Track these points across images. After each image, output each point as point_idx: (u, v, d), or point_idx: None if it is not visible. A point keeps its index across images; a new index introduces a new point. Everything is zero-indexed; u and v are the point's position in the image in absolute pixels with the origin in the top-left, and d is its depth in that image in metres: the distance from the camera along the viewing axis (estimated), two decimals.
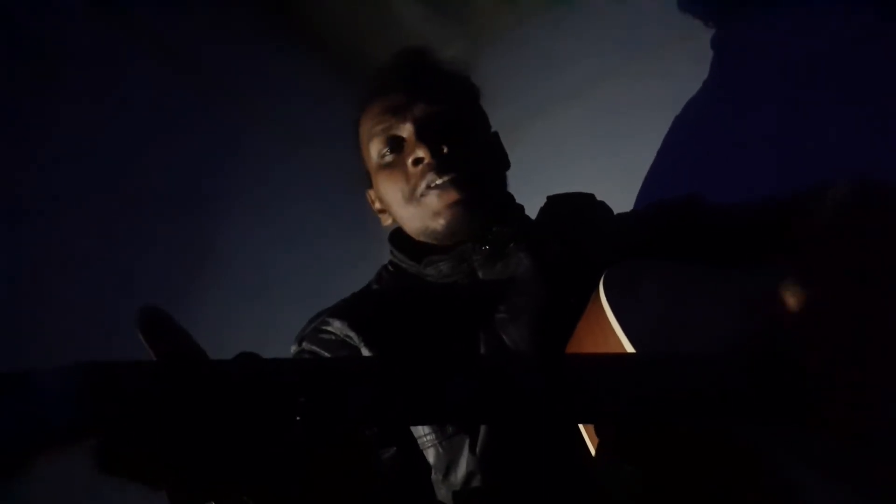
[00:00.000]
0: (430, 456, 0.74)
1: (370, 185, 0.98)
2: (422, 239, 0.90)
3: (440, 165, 0.84)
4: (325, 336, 0.83)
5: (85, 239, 1.15)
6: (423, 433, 0.75)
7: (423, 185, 0.84)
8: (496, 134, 0.99)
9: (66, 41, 1.24)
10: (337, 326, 0.83)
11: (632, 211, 1.04)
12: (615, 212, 1.00)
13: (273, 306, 1.31)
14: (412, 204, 0.86)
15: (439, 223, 0.85)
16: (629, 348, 0.53)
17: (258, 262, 1.43)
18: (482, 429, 0.71)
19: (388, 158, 0.89)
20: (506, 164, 0.97)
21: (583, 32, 1.59)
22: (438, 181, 0.84)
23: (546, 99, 1.62)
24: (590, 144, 1.50)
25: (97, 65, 1.27)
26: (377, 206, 0.98)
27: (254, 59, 1.61)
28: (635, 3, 1.49)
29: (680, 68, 1.38)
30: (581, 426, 0.59)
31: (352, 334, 0.81)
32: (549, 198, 0.97)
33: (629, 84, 1.47)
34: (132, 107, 1.31)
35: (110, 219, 1.21)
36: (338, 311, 0.85)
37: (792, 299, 0.51)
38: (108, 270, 1.17)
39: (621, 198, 1.29)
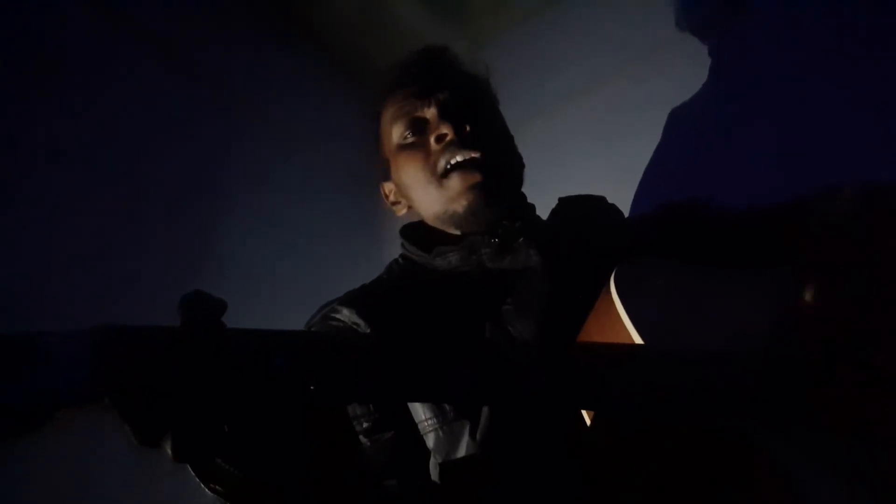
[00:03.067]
0: (431, 441, 0.75)
1: (385, 178, 0.98)
2: (438, 224, 0.90)
3: (463, 141, 0.85)
4: (334, 323, 0.84)
5: (85, 239, 1.15)
6: (423, 418, 0.75)
7: (442, 161, 0.86)
8: (512, 137, 1.01)
9: (66, 41, 1.23)
10: (345, 314, 0.84)
11: (640, 213, 1.04)
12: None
13: (273, 306, 1.31)
14: (432, 185, 0.87)
15: (461, 205, 0.86)
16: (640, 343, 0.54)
17: (258, 262, 1.43)
18: (483, 414, 0.71)
19: (410, 139, 0.91)
20: (521, 163, 0.98)
21: (583, 32, 1.59)
22: (459, 157, 0.85)
23: (546, 99, 1.62)
24: (590, 144, 1.50)
25: (97, 65, 1.27)
26: (392, 197, 0.99)
27: (254, 59, 1.61)
28: (635, 3, 1.49)
29: (680, 68, 1.38)
30: (585, 415, 0.59)
31: (360, 322, 0.82)
32: (560, 199, 0.97)
33: (629, 84, 1.47)
34: (132, 107, 1.31)
35: (110, 219, 1.21)
36: (347, 300, 0.86)
37: (800, 298, 0.51)
38: (109, 270, 1.17)
39: (621, 198, 1.28)
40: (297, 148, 1.64)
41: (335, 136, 1.62)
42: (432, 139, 0.87)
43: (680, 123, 1.36)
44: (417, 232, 0.94)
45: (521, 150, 1.00)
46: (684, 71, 1.37)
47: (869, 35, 1.15)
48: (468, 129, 0.87)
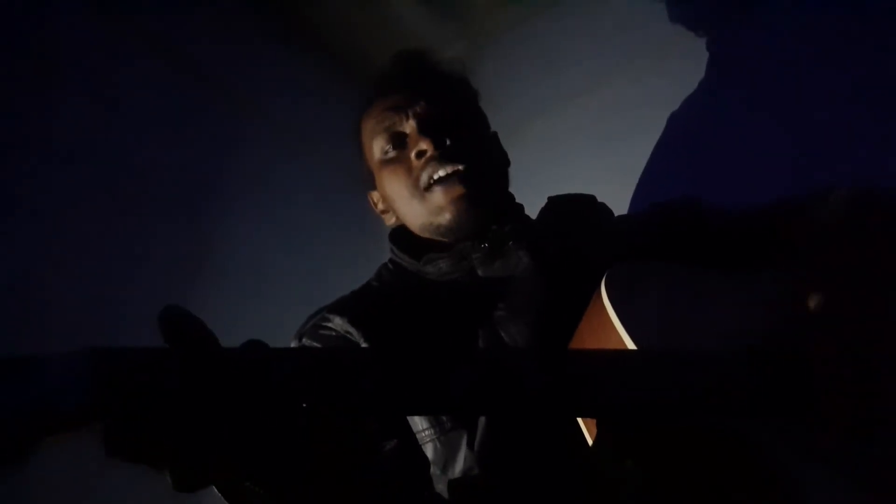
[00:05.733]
0: (429, 451, 0.74)
1: (373, 187, 0.98)
2: (425, 235, 0.90)
3: (443, 157, 0.85)
4: (326, 332, 0.84)
5: (85, 239, 1.15)
6: (421, 428, 0.75)
7: (424, 176, 0.85)
8: (495, 133, 1.00)
9: (66, 41, 1.23)
10: (337, 323, 0.83)
11: (632, 213, 1.04)
12: (615, 212, 1.00)
13: (273, 306, 1.31)
14: (416, 198, 0.87)
15: (445, 218, 0.85)
16: (632, 347, 0.53)
17: (258, 261, 1.43)
18: (480, 425, 0.71)
19: (391, 154, 0.90)
20: (506, 162, 0.97)
21: (583, 32, 1.59)
22: (441, 172, 0.84)
23: (546, 99, 1.62)
24: (590, 144, 1.50)
25: (97, 65, 1.27)
26: (380, 207, 0.99)
27: (254, 59, 1.61)
28: (635, 3, 1.49)
29: (680, 68, 1.38)
30: (581, 422, 0.59)
31: (352, 330, 0.81)
32: (549, 199, 0.97)
33: (629, 84, 1.47)
34: (132, 107, 1.31)
35: (110, 219, 1.21)
36: (338, 308, 0.86)
37: (794, 299, 0.51)
38: (109, 270, 1.17)
39: (621, 198, 1.29)
40: (297, 148, 1.64)
41: (335, 136, 1.61)
42: (412, 155, 0.86)
43: (680, 123, 1.36)
44: (407, 237, 0.93)
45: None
46: (684, 71, 1.37)
47: (870, 35, 1.15)
48: (448, 142, 0.85)
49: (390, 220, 0.98)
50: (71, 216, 1.15)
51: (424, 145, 0.85)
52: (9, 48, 1.13)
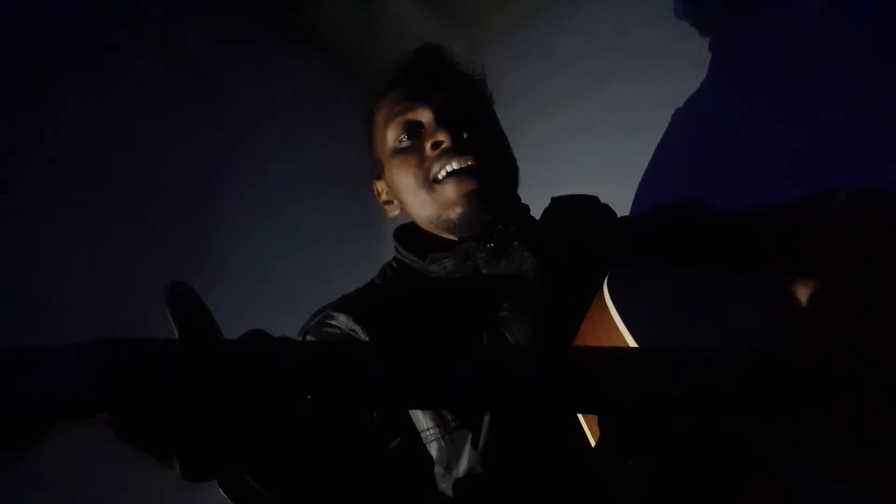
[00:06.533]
0: (434, 450, 0.74)
1: (378, 177, 0.98)
2: (431, 229, 0.90)
3: (459, 149, 0.85)
4: (330, 330, 0.84)
5: (85, 238, 1.15)
6: (426, 427, 0.75)
7: (436, 167, 0.85)
8: (507, 139, 1.00)
9: (66, 41, 1.24)
10: (342, 320, 0.83)
11: (635, 214, 1.04)
12: (616, 212, 1.00)
13: (273, 306, 1.31)
14: (425, 189, 0.87)
15: (455, 212, 0.85)
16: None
17: (258, 261, 1.43)
18: (484, 424, 0.71)
19: (405, 143, 0.90)
20: (515, 167, 0.97)
21: (583, 32, 1.59)
22: (455, 165, 0.84)
23: (546, 99, 1.62)
24: (590, 144, 1.50)
25: (97, 65, 1.27)
26: (384, 196, 0.98)
27: (254, 58, 1.61)
28: (635, 2, 1.49)
29: (680, 68, 1.38)
30: (583, 422, 0.59)
31: (357, 328, 0.81)
32: (553, 199, 0.97)
33: (629, 84, 1.47)
34: (132, 107, 1.31)
35: (110, 219, 1.21)
36: (342, 306, 0.85)
37: (794, 299, 0.51)
38: (109, 270, 1.17)
39: (621, 198, 1.29)
40: (297, 148, 1.64)
41: (335, 136, 1.62)
42: (428, 145, 0.86)
43: (680, 123, 1.36)
44: (411, 236, 0.93)
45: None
46: (684, 71, 1.37)
47: (871, 35, 1.15)
48: (465, 135, 0.86)
49: (393, 212, 0.97)
50: (71, 216, 1.15)
51: (441, 136, 0.85)
52: (9, 48, 1.13)
